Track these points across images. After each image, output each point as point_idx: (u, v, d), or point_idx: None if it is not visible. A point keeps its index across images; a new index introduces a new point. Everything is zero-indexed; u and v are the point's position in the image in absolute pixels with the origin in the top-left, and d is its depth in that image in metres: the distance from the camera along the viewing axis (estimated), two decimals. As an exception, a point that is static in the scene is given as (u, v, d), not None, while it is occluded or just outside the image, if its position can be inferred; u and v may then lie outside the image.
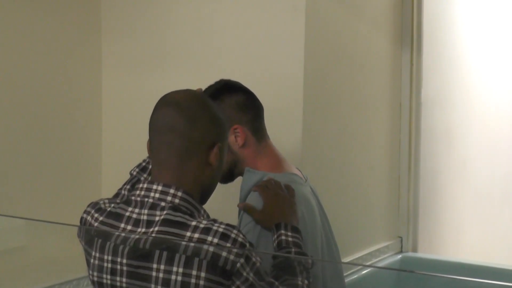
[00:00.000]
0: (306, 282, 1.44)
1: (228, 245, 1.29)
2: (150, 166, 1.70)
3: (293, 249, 1.48)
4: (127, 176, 1.74)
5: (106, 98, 2.48)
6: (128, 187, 1.68)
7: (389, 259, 2.82)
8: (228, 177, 1.70)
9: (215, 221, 1.33)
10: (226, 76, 1.75)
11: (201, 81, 1.80)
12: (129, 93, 2.47)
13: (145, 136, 2.37)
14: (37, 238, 2.25)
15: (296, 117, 2.15)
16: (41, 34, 2.25)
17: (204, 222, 1.32)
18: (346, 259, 2.44)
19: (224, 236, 1.29)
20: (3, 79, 2.14)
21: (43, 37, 2.26)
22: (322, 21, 2.30)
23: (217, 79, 1.76)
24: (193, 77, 2.29)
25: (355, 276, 2.47)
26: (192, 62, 2.34)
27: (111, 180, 2.46)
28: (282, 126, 1.81)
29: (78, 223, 1.54)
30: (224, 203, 1.67)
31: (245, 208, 1.58)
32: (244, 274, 1.30)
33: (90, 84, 2.45)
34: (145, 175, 1.70)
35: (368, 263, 2.66)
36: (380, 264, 2.74)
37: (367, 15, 2.66)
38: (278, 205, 1.56)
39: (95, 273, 1.38)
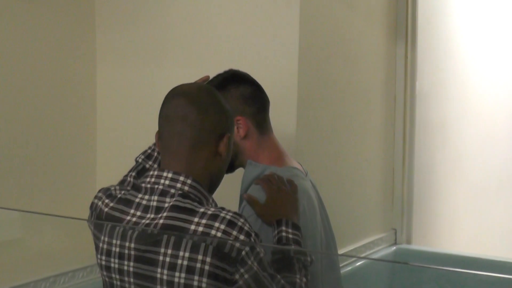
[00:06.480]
0: (304, 280, 1.46)
1: (234, 232, 1.32)
2: (155, 154, 1.73)
3: (292, 246, 1.50)
4: (121, 169, 1.75)
5: (101, 91, 2.48)
6: (133, 174, 1.70)
7: (383, 251, 2.84)
8: (229, 168, 1.71)
9: (223, 208, 1.36)
10: (221, 69, 1.76)
11: (196, 74, 1.81)
12: (124, 87, 2.47)
13: (139, 129, 2.39)
14: (33, 230, 2.26)
15: (290, 110, 2.16)
16: (33, 27, 2.25)
17: (212, 209, 1.35)
18: (340, 251, 2.45)
19: (231, 224, 1.32)
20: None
21: (35, 30, 2.25)
22: (317, 14, 2.30)
23: (211, 72, 1.77)
24: (187, 70, 2.29)
25: (349, 268, 2.49)
26: (187, 55, 2.34)
27: (105, 173, 2.47)
28: (276, 119, 1.82)
29: (73, 215, 1.56)
30: (225, 194, 1.68)
31: (249, 200, 1.59)
32: (249, 262, 1.33)
33: (84, 78, 2.45)
34: (150, 162, 1.72)
35: (362, 255, 2.67)
36: (374, 256, 2.75)
37: (362, 7, 2.66)
38: (280, 200, 1.58)
39: (103, 257, 1.41)
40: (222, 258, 1.31)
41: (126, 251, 1.37)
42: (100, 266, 1.43)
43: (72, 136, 2.41)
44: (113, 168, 2.38)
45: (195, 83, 1.67)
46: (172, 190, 1.38)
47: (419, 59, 2.95)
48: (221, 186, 1.53)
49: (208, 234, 1.31)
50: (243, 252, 1.32)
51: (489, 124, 3.78)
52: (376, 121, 2.82)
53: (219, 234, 1.31)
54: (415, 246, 2.97)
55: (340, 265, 1.87)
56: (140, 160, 1.73)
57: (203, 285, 1.31)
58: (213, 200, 1.43)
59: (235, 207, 1.65)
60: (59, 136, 2.35)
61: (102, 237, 1.42)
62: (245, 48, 2.23)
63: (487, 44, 3.78)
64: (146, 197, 1.39)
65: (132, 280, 1.37)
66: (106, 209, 1.42)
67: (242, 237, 1.32)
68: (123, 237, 1.38)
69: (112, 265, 1.40)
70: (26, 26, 2.22)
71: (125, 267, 1.38)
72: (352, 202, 2.63)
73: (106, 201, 1.43)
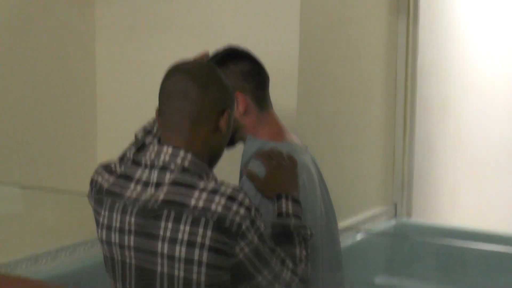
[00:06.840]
0: (304, 253, 1.48)
1: (235, 207, 1.33)
2: (155, 130, 1.73)
3: (292, 220, 1.51)
4: (122, 145, 1.76)
5: (100, 68, 2.48)
6: (133, 150, 1.71)
7: (384, 224, 2.86)
8: (229, 142, 1.70)
9: (223, 183, 1.37)
10: (221, 45, 1.75)
11: (196, 49, 1.81)
12: (124, 64, 2.47)
13: (139, 105, 2.39)
14: (34, 205, 2.28)
15: (291, 86, 2.16)
16: (31, 2, 2.24)
17: (212, 184, 1.36)
18: (340, 225, 2.46)
19: (231, 198, 1.34)
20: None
21: (33, 5, 2.25)
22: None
23: (211, 48, 1.77)
24: (188, 45, 2.29)
25: (350, 241, 2.50)
26: (187, 30, 2.34)
27: (106, 149, 2.48)
28: (277, 95, 1.83)
29: (74, 190, 1.57)
30: (225, 169, 1.69)
31: (249, 175, 1.60)
32: (249, 236, 1.34)
33: (83, 53, 2.45)
34: (150, 138, 1.73)
35: (362, 229, 2.69)
36: (375, 230, 2.77)
37: (363, -18, 2.65)
38: (280, 175, 1.59)
39: (104, 232, 1.43)
40: (223, 232, 1.33)
41: (127, 226, 1.39)
42: (101, 240, 1.45)
43: (73, 112, 2.42)
44: (113, 143, 2.38)
45: (195, 60, 1.67)
46: (172, 165, 1.39)
47: (421, 35, 2.94)
48: (221, 161, 1.54)
49: (208, 208, 1.32)
50: (243, 226, 1.34)
51: (489, 100, 3.78)
52: (377, 96, 2.82)
53: (219, 209, 1.32)
54: (415, 219, 2.98)
55: (340, 239, 1.88)
56: (139, 137, 1.74)
57: (204, 259, 1.32)
58: (213, 175, 1.44)
59: (235, 182, 1.67)
60: (60, 112, 2.36)
61: (103, 212, 1.43)
62: (246, 24, 2.22)
63: (490, 19, 3.76)
64: (146, 172, 1.40)
65: (132, 254, 1.39)
66: (106, 185, 1.43)
67: (242, 211, 1.34)
68: (124, 212, 1.39)
69: (113, 239, 1.41)
70: (24, 4, 2.21)
71: (126, 242, 1.39)
72: (352, 176, 2.65)
73: (106, 176, 1.44)
